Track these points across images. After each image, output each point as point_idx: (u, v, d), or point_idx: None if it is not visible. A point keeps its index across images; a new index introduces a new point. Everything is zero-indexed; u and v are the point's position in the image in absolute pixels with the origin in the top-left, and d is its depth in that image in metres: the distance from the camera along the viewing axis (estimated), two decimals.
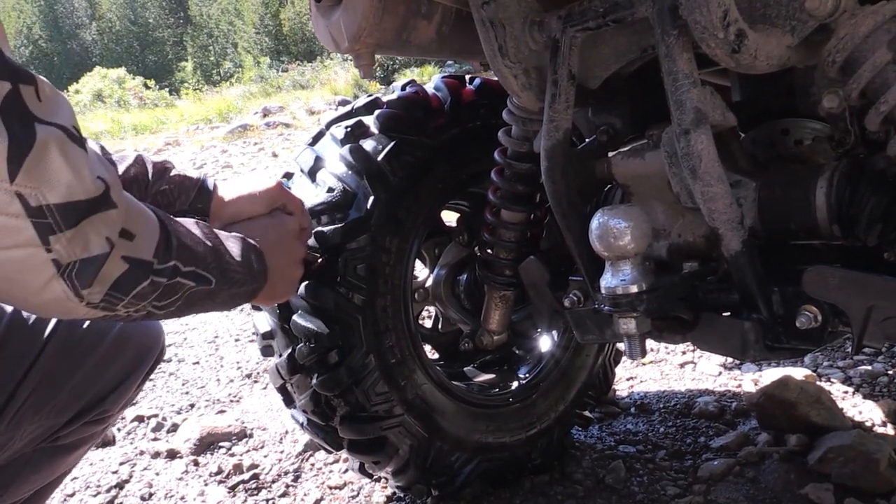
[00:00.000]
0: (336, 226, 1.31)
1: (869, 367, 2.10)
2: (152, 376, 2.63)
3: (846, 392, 1.98)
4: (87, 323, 1.07)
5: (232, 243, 0.97)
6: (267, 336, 1.44)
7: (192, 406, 2.35)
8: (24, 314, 1.03)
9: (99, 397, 1.10)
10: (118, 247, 0.74)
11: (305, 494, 1.71)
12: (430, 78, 1.60)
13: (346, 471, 1.76)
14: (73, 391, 1.06)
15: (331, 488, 1.71)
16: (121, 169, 1.08)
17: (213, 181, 1.18)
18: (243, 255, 0.98)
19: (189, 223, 0.90)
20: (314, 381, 1.34)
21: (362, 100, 1.52)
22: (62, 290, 0.72)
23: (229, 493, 1.75)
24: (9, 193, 0.65)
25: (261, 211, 1.15)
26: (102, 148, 1.08)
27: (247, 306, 2.92)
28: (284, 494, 1.72)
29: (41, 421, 1.03)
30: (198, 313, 0.97)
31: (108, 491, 1.82)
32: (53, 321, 1.04)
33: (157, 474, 1.88)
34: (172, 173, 1.14)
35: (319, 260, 1.30)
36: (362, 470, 1.54)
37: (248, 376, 2.56)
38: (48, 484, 1.17)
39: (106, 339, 1.09)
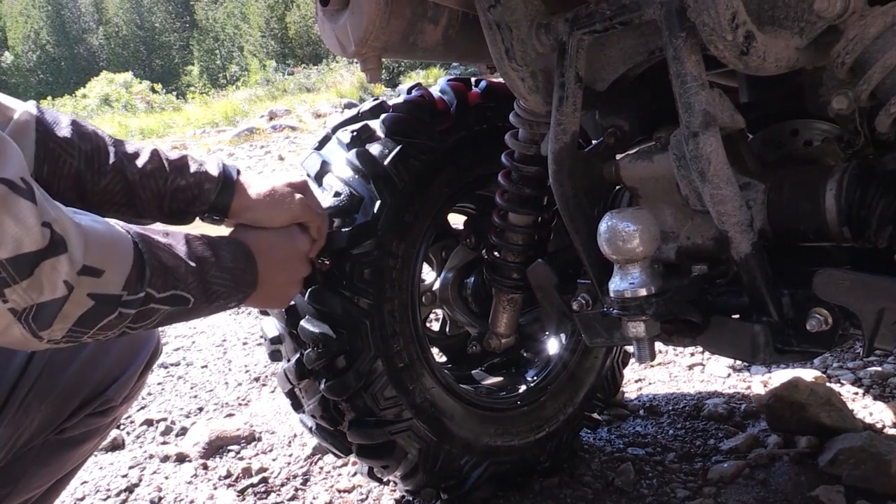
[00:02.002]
0: (343, 230, 1.30)
1: (879, 368, 2.09)
2: (161, 380, 2.66)
3: (856, 393, 1.97)
4: None
5: (226, 252, 0.98)
6: (275, 341, 1.44)
7: (200, 410, 2.36)
8: None
9: (100, 388, 1.12)
10: (81, 285, 0.76)
11: (314, 498, 1.71)
12: (437, 80, 1.59)
13: (355, 474, 1.76)
14: (74, 380, 1.08)
15: (340, 491, 1.71)
16: (138, 164, 1.07)
17: (237, 176, 1.14)
18: (235, 264, 0.99)
19: (178, 237, 0.91)
20: (322, 386, 1.34)
21: (368, 103, 1.51)
22: (20, 333, 0.74)
23: (238, 496, 1.76)
24: None
25: (280, 223, 1.12)
26: (116, 143, 1.07)
27: (255, 311, 2.93)
28: (293, 498, 1.72)
29: (47, 409, 1.06)
30: (176, 323, 1.00)
31: (117, 495, 1.83)
32: None
33: (167, 478, 1.89)
34: (192, 169, 1.11)
35: (327, 263, 1.30)
36: (371, 474, 1.54)
37: (257, 380, 2.57)
38: (58, 481, 1.18)
39: None
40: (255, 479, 1.81)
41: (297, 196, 1.14)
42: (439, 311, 1.80)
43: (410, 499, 1.60)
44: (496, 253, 1.49)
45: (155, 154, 1.09)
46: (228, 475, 1.85)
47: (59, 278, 0.74)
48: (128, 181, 1.06)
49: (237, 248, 1.02)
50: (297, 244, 1.13)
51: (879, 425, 1.77)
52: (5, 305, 0.71)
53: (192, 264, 0.91)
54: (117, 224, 0.83)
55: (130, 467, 1.96)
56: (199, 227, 1.05)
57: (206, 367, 2.79)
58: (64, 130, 1.02)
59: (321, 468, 1.84)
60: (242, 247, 1.03)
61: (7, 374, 1.02)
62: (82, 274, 0.76)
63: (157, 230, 0.91)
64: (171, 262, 0.87)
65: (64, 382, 1.07)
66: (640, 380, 2.21)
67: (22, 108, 0.99)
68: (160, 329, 1.21)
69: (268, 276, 1.06)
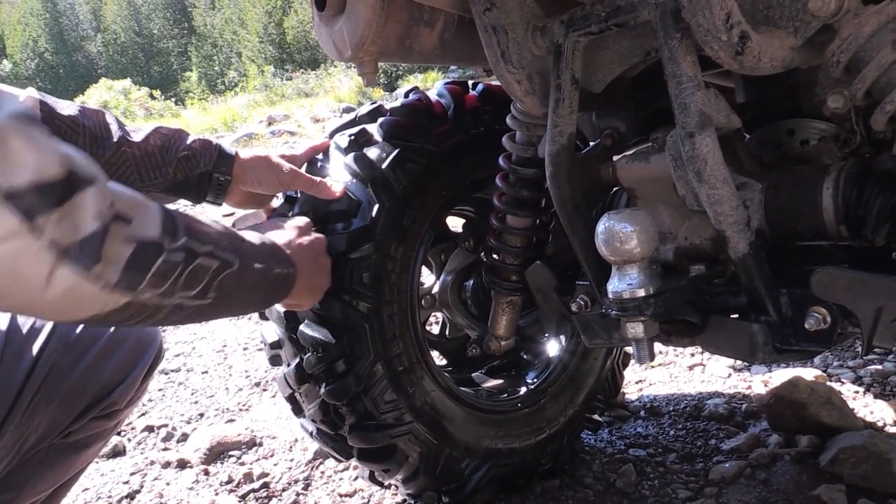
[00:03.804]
0: (341, 234, 1.30)
1: (880, 367, 2.09)
2: (161, 386, 2.66)
3: (857, 392, 1.97)
4: (82, 326, 1.11)
5: (250, 234, 1.00)
6: (275, 346, 1.44)
7: (201, 415, 2.36)
8: (20, 320, 1.06)
9: (105, 391, 1.13)
10: (115, 228, 0.71)
11: (316, 502, 1.70)
12: (434, 84, 1.59)
13: (357, 478, 1.76)
14: (79, 383, 1.09)
15: (341, 496, 1.71)
16: (141, 136, 1.17)
17: (235, 148, 1.27)
18: (264, 241, 1.00)
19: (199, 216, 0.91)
20: (322, 390, 1.34)
21: (365, 108, 1.51)
22: (72, 274, 0.67)
23: (240, 502, 1.75)
24: None
25: (279, 187, 1.27)
26: (119, 121, 1.17)
27: (254, 315, 2.93)
28: (295, 503, 1.72)
29: (53, 412, 1.06)
30: (237, 309, 0.98)
31: (119, 502, 1.82)
32: (49, 324, 1.07)
33: (168, 484, 1.89)
34: (191, 139, 1.22)
35: None
36: (372, 478, 1.54)
37: (257, 385, 2.57)
38: (63, 484, 1.19)
39: (103, 337, 1.13)
40: (256, 485, 1.81)
41: (287, 165, 1.27)
42: (439, 315, 1.80)
43: (412, 502, 1.60)
44: (495, 255, 1.49)
45: (157, 129, 1.20)
46: (230, 481, 1.85)
47: (90, 211, 0.68)
48: (133, 153, 1.15)
49: (262, 235, 1.02)
50: (312, 232, 1.19)
51: (880, 424, 1.77)
52: (42, 241, 0.64)
53: (221, 229, 0.89)
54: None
55: (132, 474, 1.96)
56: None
57: (206, 372, 2.79)
58: (67, 109, 1.11)
59: (322, 472, 1.84)
60: (267, 237, 1.03)
61: (13, 378, 1.02)
62: (115, 218, 0.71)
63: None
64: (198, 225, 0.85)
65: (69, 385, 1.07)
66: (640, 381, 2.21)
67: (24, 94, 1.07)
68: (161, 332, 1.23)
69: (300, 262, 1.09)
